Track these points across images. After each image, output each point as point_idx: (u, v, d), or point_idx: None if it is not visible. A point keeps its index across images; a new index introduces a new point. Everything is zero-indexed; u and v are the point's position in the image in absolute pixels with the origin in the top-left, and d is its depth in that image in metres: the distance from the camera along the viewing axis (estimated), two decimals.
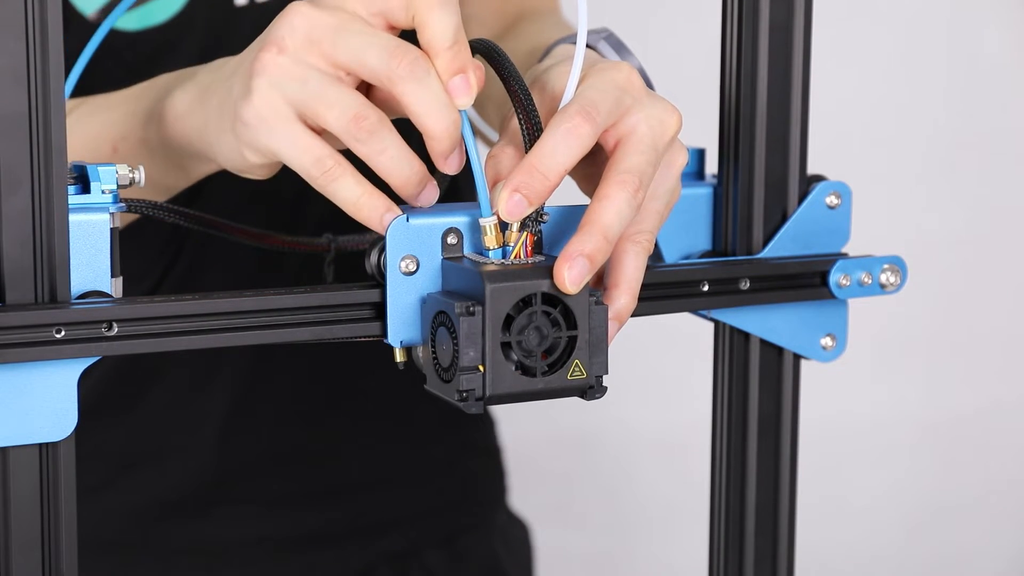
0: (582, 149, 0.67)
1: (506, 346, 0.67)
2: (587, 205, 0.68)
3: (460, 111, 0.67)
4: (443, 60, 0.66)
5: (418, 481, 1.10)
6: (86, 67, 0.86)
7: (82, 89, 0.85)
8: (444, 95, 0.66)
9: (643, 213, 0.70)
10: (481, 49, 0.70)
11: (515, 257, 0.68)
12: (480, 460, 1.16)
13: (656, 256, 0.79)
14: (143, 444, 1.05)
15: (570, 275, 0.66)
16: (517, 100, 0.68)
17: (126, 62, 0.96)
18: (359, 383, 1.07)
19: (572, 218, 0.71)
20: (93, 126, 0.82)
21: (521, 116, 0.68)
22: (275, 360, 1.03)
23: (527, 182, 0.66)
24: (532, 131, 0.68)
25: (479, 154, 0.68)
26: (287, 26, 0.67)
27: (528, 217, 0.68)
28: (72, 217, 0.66)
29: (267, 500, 1.06)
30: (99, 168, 0.68)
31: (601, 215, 0.67)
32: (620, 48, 0.78)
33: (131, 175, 0.70)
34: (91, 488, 1.03)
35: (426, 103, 0.65)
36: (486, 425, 1.17)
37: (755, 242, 0.78)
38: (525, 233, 0.68)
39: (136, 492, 1.05)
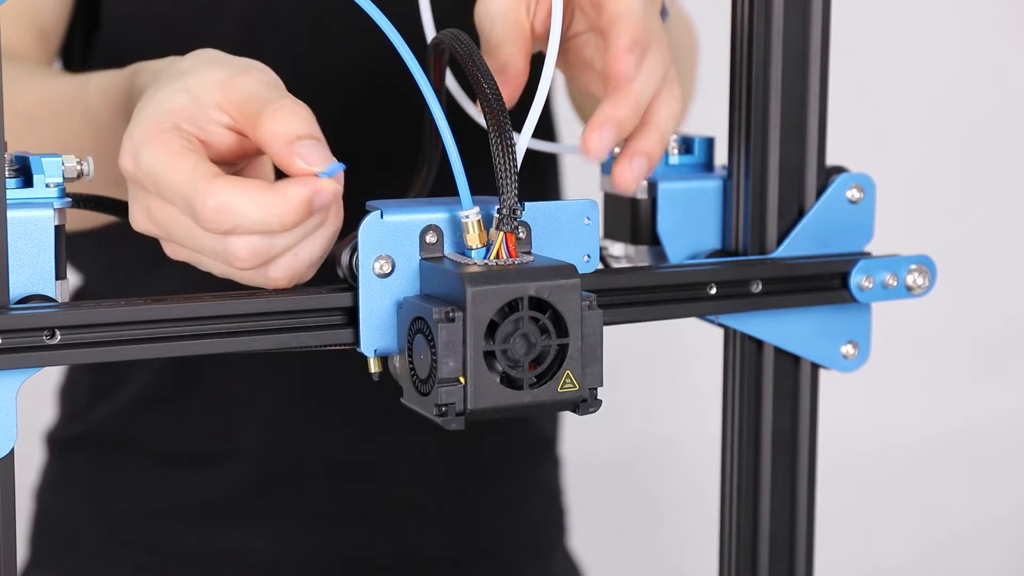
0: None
1: (490, 355, 0.63)
2: (570, 202, 0.67)
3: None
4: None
5: (476, 516, 1.08)
6: (125, 33, 0.87)
7: (122, 56, 0.84)
8: (262, 210, 0.62)
9: (649, 62, 0.71)
10: (447, 40, 0.68)
11: (498, 257, 0.65)
12: (543, 500, 1.13)
13: (660, 256, 0.77)
14: (186, 445, 1.04)
15: (599, 141, 0.68)
16: (482, 94, 0.65)
17: (170, 26, 0.95)
18: None
19: (557, 215, 0.68)
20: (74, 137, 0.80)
21: (485, 109, 0.65)
22: (328, 363, 1.00)
23: (626, 115, 0.69)
24: (500, 135, 0.65)
25: (455, 143, 0.64)
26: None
27: (503, 215, 0.64)
28: (11, 213, 0.63)
29: (312, 515, 1.04)
30: (43, 159, 0.65)
31: (657, 116, 0.70)
32: None
33: (79, 167, 0.66)
34: (126, 489, 1.03)
35: (265, 229, 0.64)
36: (553, 464, 1.14)
37: (768, 240, 0.76)
38: (502, 233, 0.65)
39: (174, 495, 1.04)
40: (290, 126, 0.62)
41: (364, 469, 1.04)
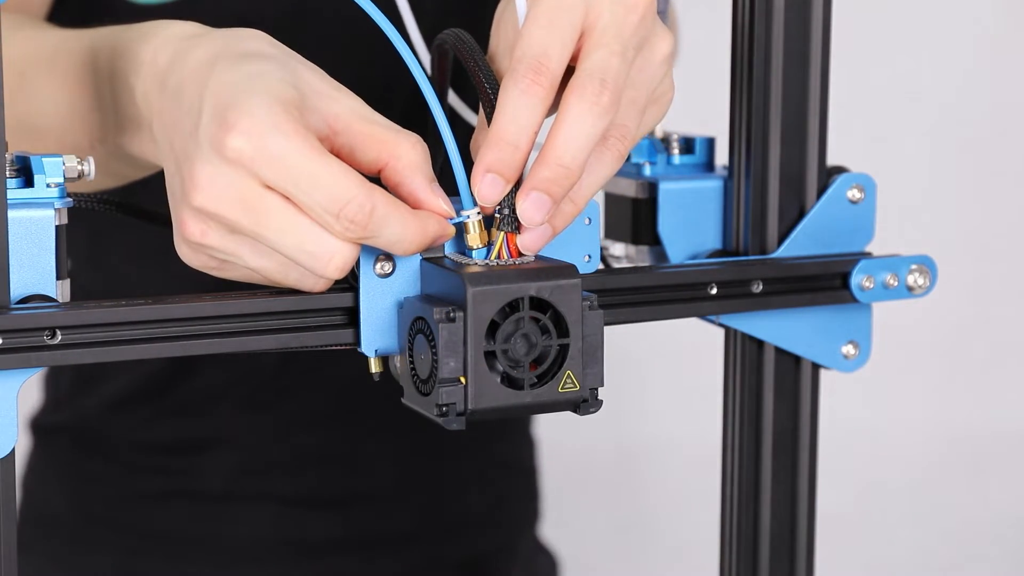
0: (544, 105, 0.62)
1: (490, 355, 0.63)
2: None
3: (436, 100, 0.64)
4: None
5: (443, 495, 1.08)
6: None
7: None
8: (403, 233, 0.61)
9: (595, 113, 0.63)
10: (450, 40, 0.67)
11: (499, 258, 0.65)
12: (512, 480, 1.13)
13: (660, 256, 0.76)
14: (166, 436, 1.04)
15: (525, 210, 0.62)
16: (484, 94, 0.65)
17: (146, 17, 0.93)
18: (390, 386, 1.05)
19: None
20: (61, 105, 0.76)
21: (487, 111, 0.64)
22: (302, 356, 1.00)
23: (498, 158, 0.62)
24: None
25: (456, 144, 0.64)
26: (202, 196, 0.61)
27: (504, 215, 0.64)
28: (12, 213, 0.63)
29: (285, 500, 1.05)
30: (44, 159, 0.64)
31: (553, 142, 0.61)
32: None
33: (80, 167, 0.65)
34: (108, 475, 1.03)
35: (389, 247, 0.62)
36: (524, 444, 1.14)
37: (769, 240, 0.75)
38: (503, 233, 0.64)
39: (155, 480, 1.05)
40: (427, 160, 0.63)
41: (336, 454, 1.04)
